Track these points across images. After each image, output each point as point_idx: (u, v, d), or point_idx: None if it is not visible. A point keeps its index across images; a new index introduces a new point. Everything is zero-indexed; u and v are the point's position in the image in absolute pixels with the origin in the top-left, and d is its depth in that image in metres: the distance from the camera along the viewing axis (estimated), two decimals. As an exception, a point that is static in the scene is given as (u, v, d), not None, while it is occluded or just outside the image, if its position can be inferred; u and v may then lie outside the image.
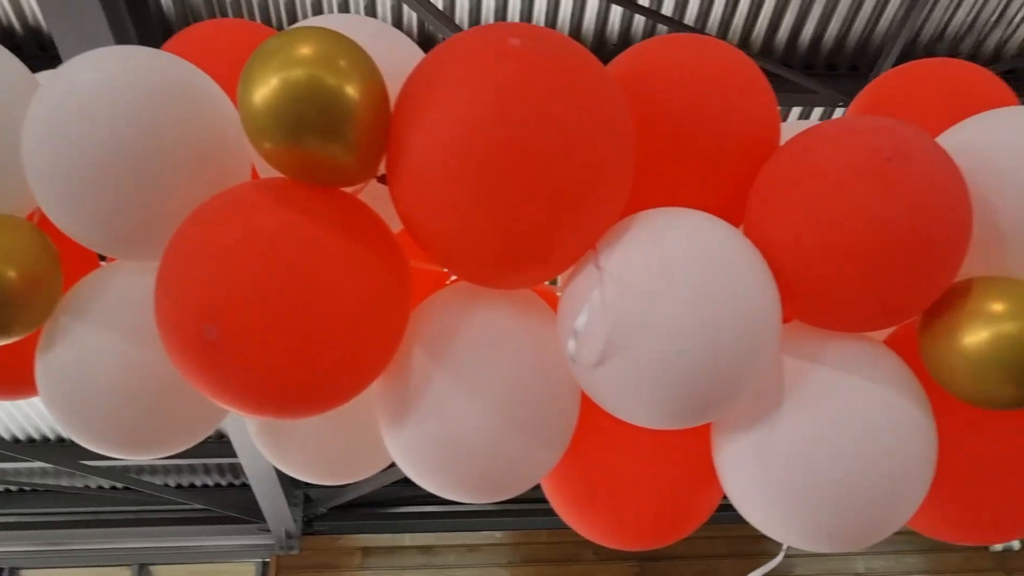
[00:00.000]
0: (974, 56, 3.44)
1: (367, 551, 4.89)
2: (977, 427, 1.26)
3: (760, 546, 4.54)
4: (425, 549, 4.89)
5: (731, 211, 1.24)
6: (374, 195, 1.20)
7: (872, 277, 1.09)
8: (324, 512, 4.89)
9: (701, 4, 3.16)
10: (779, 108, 3.71)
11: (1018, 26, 3.33)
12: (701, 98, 1.21)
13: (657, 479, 1.34)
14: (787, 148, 1.18)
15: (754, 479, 1.19)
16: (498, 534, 4.91)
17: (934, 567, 4.95)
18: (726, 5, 3.17)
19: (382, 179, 1.19)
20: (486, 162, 1.03)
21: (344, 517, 4.90)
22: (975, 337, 1.12)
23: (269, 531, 4.78)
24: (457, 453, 1.16)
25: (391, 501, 4.87)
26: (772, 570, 1.48)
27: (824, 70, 3.45)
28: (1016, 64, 3.34)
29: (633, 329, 1.06)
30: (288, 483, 4.48)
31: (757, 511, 1.21)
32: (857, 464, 1.12)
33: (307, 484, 4.91)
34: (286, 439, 1.36)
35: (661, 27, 3.19)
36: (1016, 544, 4.96)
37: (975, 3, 3.23)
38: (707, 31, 3.25)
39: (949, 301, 1.16)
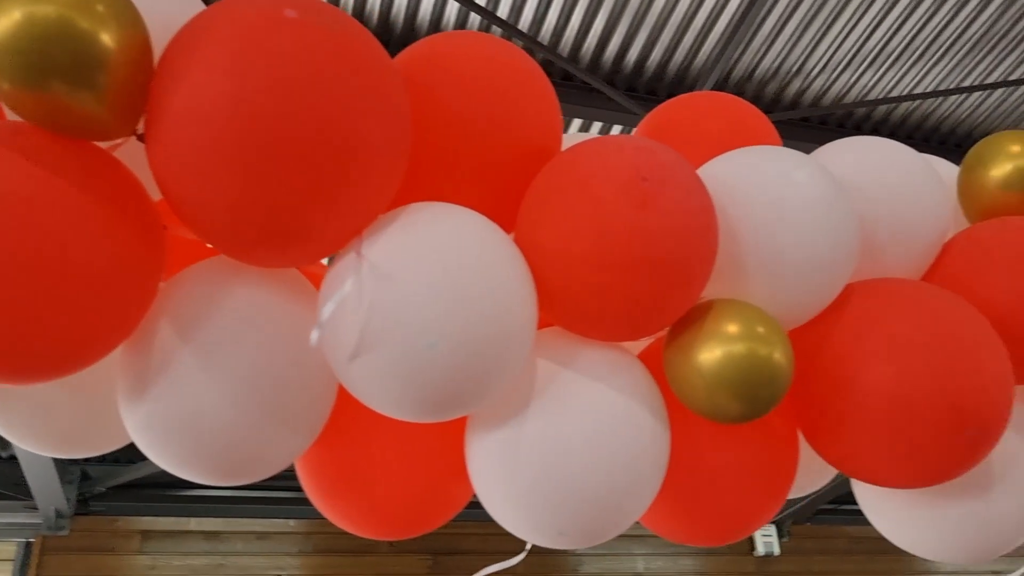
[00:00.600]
0: (776, 100, 3.73)
1: (147, 535, 4.61)
2: (708, 439, 1.35)
3: (549, 543, 4.70)
4: (211, 535, 4.67)
5: (506, 214, 1.27)
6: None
7: (621, 289, 1.15)
8: (102, 491, 4.56)
9: (536, 11, 3.23)
10: (601, 124, 3.81)
11: (815, 78, 3.65)
12: (484, 97, 1.22)
13: (411, 469, 1.35)
14: (559, 159, 1.22)
15: (497, 476, 1.22)
16: (291, 522, 4.78)
17: (704, 569, 5.33)
18: (559, 16, 3.26)
19: (143, 138, 1.12)
20: (246, 131, 0.99)
21: (124, 497, 4.59)
22: (709, 355, 1.21)
23: (37, 509, 4.39)
24: (194, 431, 1.10)
25: (177, 482, 4.61)
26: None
27: (645, 94, 3.63)
28: (811, 112, 3.65)
29: (386, 319, 1.06)
30: (63, 459, 4.14)
31: (498, 506, 1.24)
32: (590, 467, 1.18)
33: (85, 460, 4.57)
34: (15, 405, 1.24)
35: (496, 29, 3.23)
36: (776, 550, 5.43)
37: (779, 53, 3.51)
38: (540, 38, 3.33)
39: (690, 319, 1.24)
